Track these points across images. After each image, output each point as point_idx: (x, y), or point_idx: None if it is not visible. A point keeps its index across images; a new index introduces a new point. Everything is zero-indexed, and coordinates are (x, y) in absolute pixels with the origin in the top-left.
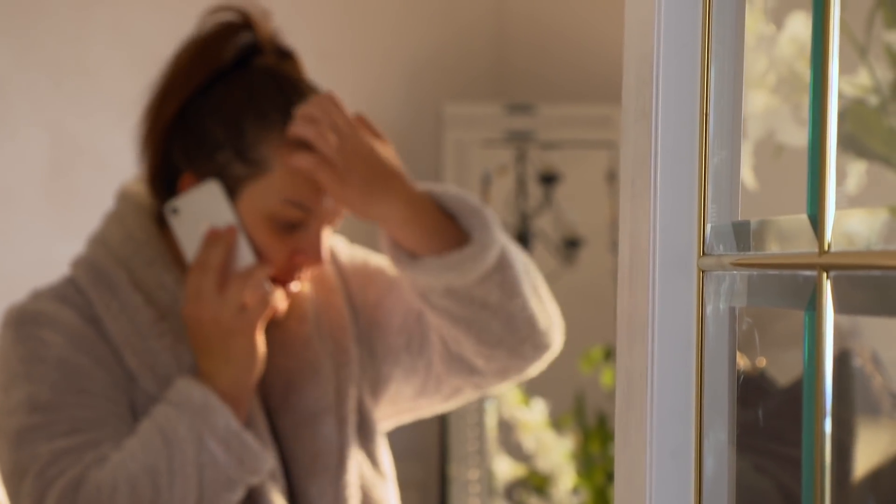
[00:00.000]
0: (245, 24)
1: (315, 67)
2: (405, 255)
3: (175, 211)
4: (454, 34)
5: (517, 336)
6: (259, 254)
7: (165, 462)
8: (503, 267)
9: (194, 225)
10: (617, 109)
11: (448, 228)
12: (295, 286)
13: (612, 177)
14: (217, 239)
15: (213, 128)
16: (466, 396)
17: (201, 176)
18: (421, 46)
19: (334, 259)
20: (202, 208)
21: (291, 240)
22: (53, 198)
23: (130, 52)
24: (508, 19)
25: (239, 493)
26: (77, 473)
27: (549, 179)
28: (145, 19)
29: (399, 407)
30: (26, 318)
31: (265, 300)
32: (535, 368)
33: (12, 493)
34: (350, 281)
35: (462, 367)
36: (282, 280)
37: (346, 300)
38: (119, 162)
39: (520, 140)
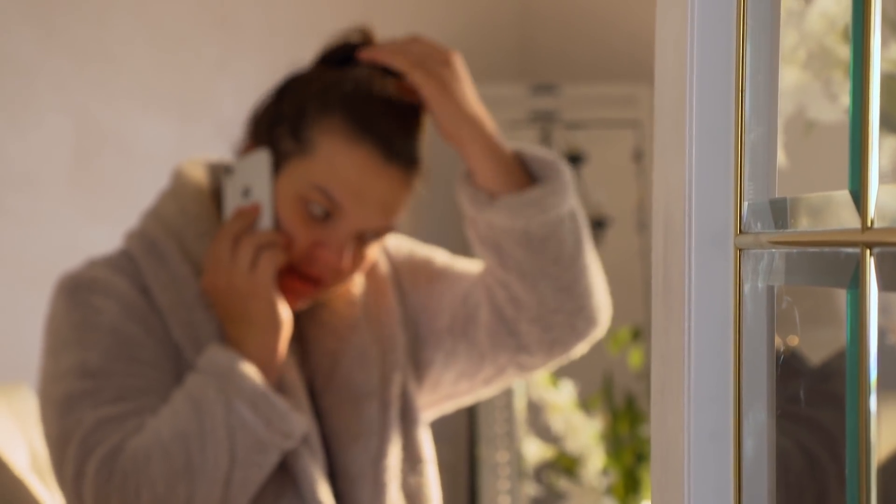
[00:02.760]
0: (365, 38)
1: None
2: (484, 196)
3: (228, 171)
4: (477, 15)
5: (575, 303)
6: (285, 234)
7: (196, 426)
8: (576, 217)
9: (237, 187)
10: (642, 88)
11: (523, 173)
12: (304, 300)
13: (638, 156)
14: (241, 214)
15: (284, 105)
16: (507, 379)
17: (259, 145)
18: (443, 28)
19: (384, 248)
20: (248, 174)
21: (317, 231)
22: (79, 183)
23: (153, 35)
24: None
25: (272, 458)
26: (116, 441)
27: (574, 160)
28: (167, 4)
29: (440, 394)
30: (81, 284)
31: (274, 258)
32: (582, 347)
33: (57, 459)
34: (399, 269)
35: (510, 341)
36: (299, 269)
37: (395, 287)
38: (144, 146)
39: (544, 121)
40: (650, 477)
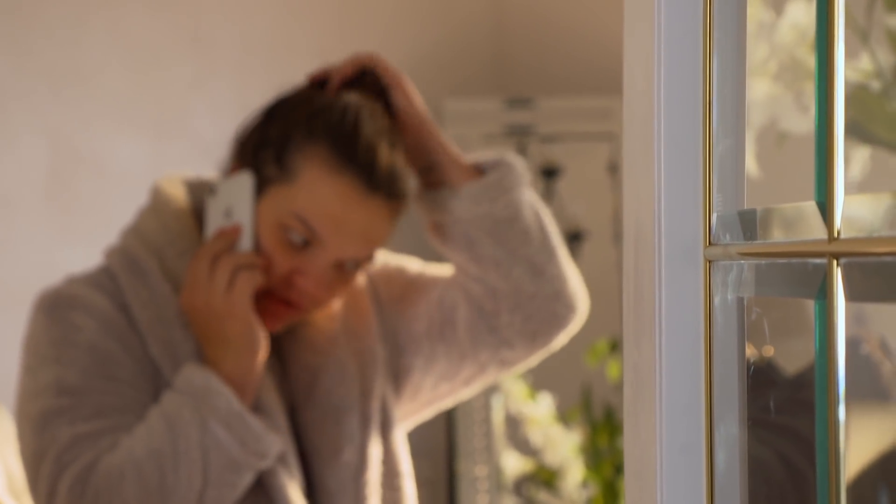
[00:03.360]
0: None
1: (312, 65)
2: (446, 192)
3: (212, 191)
4: (452, 29)
5: (552, 287)
6: (265, 258)
7: (170, 446)
8: (536, 206)
9: (220, 208)
10: (617, 101)
11: (476, 171)
12: (282, 323)
13: (613, 169)
14: (222, 234)
15: (270, 128)
16: (488, 378)
17: (244, 167)
18: (419, 42)
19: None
20: (231, 195)
21: (296, 258)
22: (54, 204)
23: (127, 57)
24: (506, 14)
25: (246, 478)
26: (90, 459)
27: (550, 173)
28: (141, 24)
29: (420, 401)
30: (60, 301)
31: (251, 279)
32: (562, 337)
33: (31, 476)
34: (375, 280)
35: (491, 338)
36: (277, 293)
37: (373, 300)
38: (119, 165)
39: (520, 134)
40: (625, 489)
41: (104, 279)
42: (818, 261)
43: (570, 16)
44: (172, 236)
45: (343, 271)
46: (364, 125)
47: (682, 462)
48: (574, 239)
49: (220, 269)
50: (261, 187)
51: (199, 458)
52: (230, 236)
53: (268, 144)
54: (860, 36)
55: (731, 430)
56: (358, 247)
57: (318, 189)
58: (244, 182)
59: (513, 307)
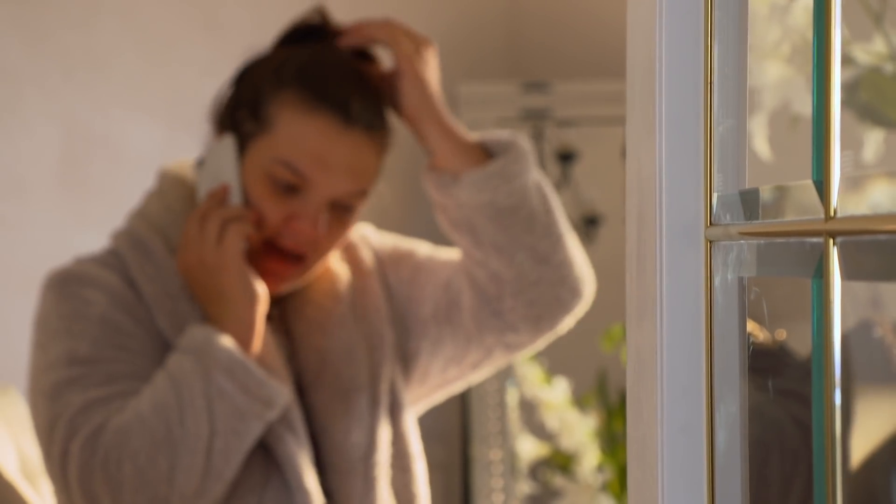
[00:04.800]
0: (323, 18)
1: None
2: (448, 177)
3: (199, 164)
4: (465, 13)
5: (557, 273)
6: (255, 211)
7: (175, 399)
8: (543, 188)
9: (208, 176)
10: None
11: (483, 153)
12: (287, 281)
13: None
14: (211, 195)
15: (241, 89)
16: (496, 361)
17: (224, 133)
18: (433, 26)
19: (368, 243)
20: (216, 161)
21: (289, 204)
22: (67, 188)
23: (140, 39)
24: None
25: (253, 426)
26: (100, 421)
27: (566, 157)
28: (155, 8)
29: (430, 385)
30: (70, 278)
31: (240, 230)
32: (568, 321)
33: (45, 443)
34: (384, 263)
35: (495, 322)
36: (276, 245)
37: (381, 282)
38: (132, 150)
39: (535, 118)
40: (628, 471)
41: (110, 258)
42: (815, 240)
43: None
44: (176, 215)
45: (338, 214)
46: (331, 64)
47: (683, 442)
48: (590, 223)
49: (209, 224)
50: (242, 145)
51: (205, 408)
52: (218, 196)
53: (242, 105)
54: (873, 18)
55: (732, 411)
56: (346, 182)
57: (296, 131)
58: (225, 144)
59: (516, 292)
